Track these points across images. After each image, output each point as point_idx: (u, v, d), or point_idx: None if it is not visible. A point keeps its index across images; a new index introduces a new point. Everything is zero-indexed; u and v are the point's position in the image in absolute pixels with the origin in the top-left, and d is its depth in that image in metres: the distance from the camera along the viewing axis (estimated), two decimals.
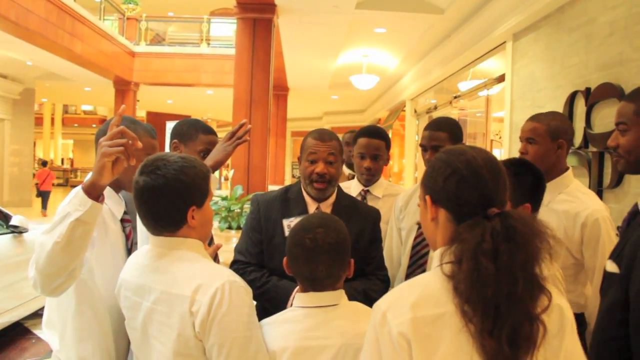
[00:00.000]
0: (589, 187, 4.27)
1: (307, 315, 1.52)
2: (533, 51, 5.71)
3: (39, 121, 24.66)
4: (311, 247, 1.52)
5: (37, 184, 15.99)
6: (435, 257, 1.22)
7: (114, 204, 1.80)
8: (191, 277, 1.41)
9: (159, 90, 16.23)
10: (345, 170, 4.19)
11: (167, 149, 2.26)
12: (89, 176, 1.55)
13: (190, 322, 1.37)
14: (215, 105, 19.12)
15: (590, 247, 2.15)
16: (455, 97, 9.10)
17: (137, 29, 15.15)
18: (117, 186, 1.81)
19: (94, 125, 32.95)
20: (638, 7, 3.90)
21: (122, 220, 1.83)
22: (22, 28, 9.19)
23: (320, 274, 1.52)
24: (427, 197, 1.23)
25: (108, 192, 1.81)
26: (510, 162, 1.92)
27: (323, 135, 2.09)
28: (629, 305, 1.45)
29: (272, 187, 8.19)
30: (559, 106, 4.87)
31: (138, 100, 15.88)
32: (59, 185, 24.15)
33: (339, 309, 1.53)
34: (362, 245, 2.07)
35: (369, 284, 2.06)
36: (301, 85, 14.17)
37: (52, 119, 31.43)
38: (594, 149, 4.37)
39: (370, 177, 2.80)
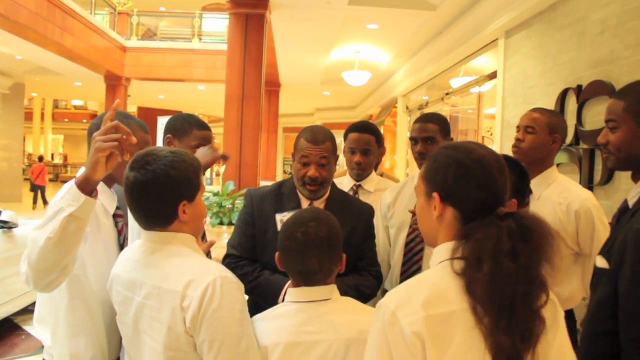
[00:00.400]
0: (580, 184, 4.30)
1: (299, 310, 1.51)
2: (525, 48, 5.73)
3: (28, 116, 24.48)
4: (303, 240, 1.52)
5: (30, 178, 16.19)
6: (437, 252, 1.22)
7: (107, 198, 1.79)
8: (182, 272, 1.41)
9: (150, 86, 16.16)
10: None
11: (158, 145, 2.24)
12: (81, 171, 1.54)
13: (181, 318, 1.37)
14: (207, 100, 19.07)
15: (587, 236, 2.21)
16: (447, 94, 9.12)
17: (129, 24, 15.06)
18: (109, 181, 1.80)
19: (84, 120, 32.75)
20: (630, 5, 3.92)
21: (115, 215, 1.82)
22: (12, 22, 9.10)
23: (312, 268, 1.52)
24: (435, 195, 1.22)
25: (101, 186, 1.80)
26: None
27: (316, 137, 2.05)
28: (619, 300, 1.46)
29: (264, 183, 8.18)
30: (550, 103, 4.90)
31: (129, 96, 15.80)
32: (49, 180, 24.05)
33: (331, 303, 1.53)
34: (355, 241, 2.07)
35: (361, 279, 2.06)
36: (293, 81, 14.15)
37: (42, 114, 31.23)
38: (585, 146, 4.39)
39: (360, 172, 2.81)
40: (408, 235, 2.49)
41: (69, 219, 1.43)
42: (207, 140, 2.19)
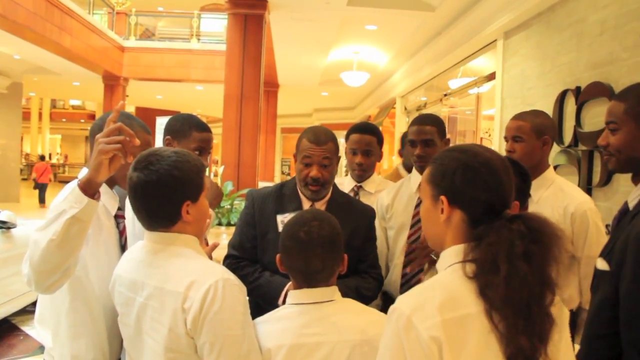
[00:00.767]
0: (579, 185, 4.31)
1: (301, 312, 1.51)
2: (524, 49, 5.74)
3: (26, 116, 24.40)
4: (305, 240, 1.52)
5: (34, 177, 16.91)
6: (445, 256, 1.21)
7: (108, 199, 1.79)
8: (184, 274, 1.40)
9: (149, 86, 16.14)
10: (402, 171, 3.84)
11: (157, 146, 2.23)
12: (82, 172, 1.54)
13: (182, 319, 1.36)
14: (205, 101, 19.05)
15: (581, 238, 2.21)
16: (446, 95, 9.13)
17: (127, 24, 15.05)
18: (110, 182, 1.79)
19: (82, 121, 32.71)
20: (628, 7, 3.93)
21: (116, 217, 1.81)
22: (10, 21, 9.09)
23: (315, 268, 1.51)
24: (443, 198, 1.21)
25: (102, 187, 1.79)
26: None
27: (319, 138, 2.05)
28: (619, 302, 1.46)
29: (262, 184, 8.18)
30: (549, 104, 4.90)
31: (127, 96, 15.77)
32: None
33: (333, 305, 1.53)
34: (356, 243, 2.07)
35: (362, 281, 2.06)
36: (291, 82, 14.15)
37: (40, 114, 31.14)
38: (584, 148, 4.40)
39: (361, 173, 2.81)
40: (409, 236, 2.49)
41: (71, 221, 1.42)
42: (207, 143, 2.17)
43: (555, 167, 4.71)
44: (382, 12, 7.56)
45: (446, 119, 9.65)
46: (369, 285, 2.08)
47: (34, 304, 5.28)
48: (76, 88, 18.32)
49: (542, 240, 1.10)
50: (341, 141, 2.96)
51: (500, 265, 1.09)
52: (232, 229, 2.30)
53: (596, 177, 4.23)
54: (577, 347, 1.66)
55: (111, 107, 14.08)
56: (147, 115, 18.44)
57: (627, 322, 1.43)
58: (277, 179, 17.98)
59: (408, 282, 2.43)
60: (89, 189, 1.47)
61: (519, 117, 2.38)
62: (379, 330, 1.20)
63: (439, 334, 1.06)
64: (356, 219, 2.13)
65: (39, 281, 1.49)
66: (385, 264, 2.57)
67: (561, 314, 1.19)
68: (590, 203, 2.26)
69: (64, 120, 33.38)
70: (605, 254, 1.61)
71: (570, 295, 2.27)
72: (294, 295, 1.56)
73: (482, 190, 1.17)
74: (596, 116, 4.28)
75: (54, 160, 32.15)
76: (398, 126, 12.05)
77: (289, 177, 2.30)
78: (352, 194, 2.76)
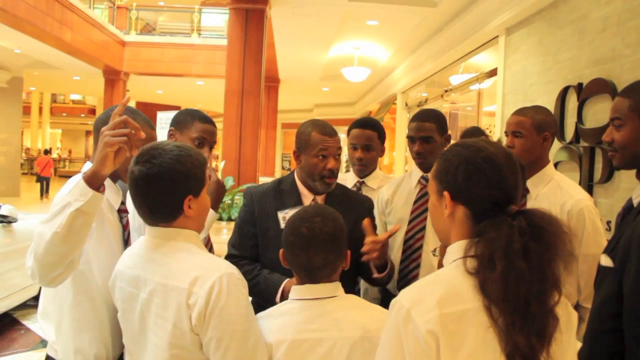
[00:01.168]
0: (580, 182, 4.31)
1: (303, 307, 1.51)
2: (526, 46, 5.72)
3: (26, 110, 24.38)
4: (308, 235, 1.52)
5: (37, 171, 17.48)
6: (451, 251, 1.21)
7: (112, 193, 1.78)
8: (188, 269, 1.40)
9: (149, 80, 16.13)
10: None
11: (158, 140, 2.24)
12: (86, 166, 1.53)
13: (187, 315, 1.36)
14: (206, 95, 19.03)
15: (577, 236, 2.19)
16: (447, 91, 9.11)
17: (128, 18, 15.02)
18: (114, 176, 1.79)
19: (82, 115, 32.70)
20: (631, 3, 3.92)
21: (120, 211, 1.81)
22: (11, 15, 9.07)
23: (317, 263, 1.52)
24: (446, 194, 1.22)
25: (106, 181, 1.79)
26: None
27: (330, 130, 2.08)
28: (623, 298, 1.46)
29: (263, 179, 8.18)
30: (551, 101, 4.90)
31: (128, 90, 15.75)
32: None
33: (335, 301, 1.53)
34: (357, 234, 2.06)
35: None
36: (292, 77, 14.13)
37: (40, 108, 31.13)
38: (585, 144, 4.40)
39: (362, 168, 2.81)
40: (407, 232, 2.49)
41: (76, 213, 1.42)
42: (209, 134, 2.17)
43: (556, 164, 4.72)
44: (384, 7, 7.53)
45: (447, 115, 9.63)
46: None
47: (34, 298, 5.33)
48: (77, 82, 18.30)
49: (543, 238, 1.10)
50: (342, 137, 2.96)
51: (497, 262, 1.09)
52: (233, 224, 2.29)
53: (597, 174, 4.22)
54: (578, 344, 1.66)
55: (112, 101, 14.11)
56: (147, 110, 18.38)
57: (631, 317, 1.44)
58: (278, 174, 17.98)
59: (406, 277, 2.44)
60: (94, 182, 1.47)
61: (519, 112, 2.38)
62: (380, 326, 1.20)
63: (436, 328, 1.06)
64: (356, 211, 2.13)
65: (43, 274, 1.49)
66: None
67: (568, 315, 1.18)
68: (588, 201, 2.24)
69: (64, 114, 33.36)
70: (609, 250, 1.61)
71: (568, 292, 2.27)
72: (296, 291, 1.56)
73: (485, 186, 1.17)
74: (598, 113, 4.28)
75: (54, 155, 32.19)
76: (399, 122, 12.04)
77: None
78: (354, 190, 2.77)
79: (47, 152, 20.39)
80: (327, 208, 1.64)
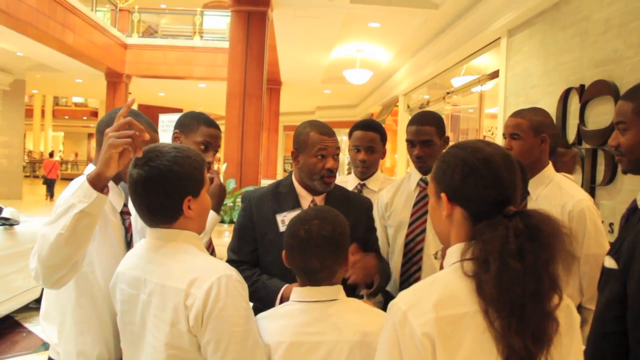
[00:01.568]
0: (582, 184, 4.30)
1: (303, 310, 1.51)
2: (527, 47, 5.72)
3: (29, 113, 24.48)
4: (305, 238, 1.52)
5: (43, 174, 18.58)
6: (450, 253, 1.21)
7: (114, 195, 1.79)
8: (187, 270, 1.40)
9: (151, 83, 16.15)
10: None
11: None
12: (88, 168, 1.53)
13: (185, 316, 1.35)
14: (208, 98, 19.05)
15: (578, 237, 2.19)
16: (449, 93, 9.11)
17: (130, 21, 15.05)
18: (116, 178, 1.79)
19: (84, 118, 32.77)
20: (633, 5, 3.91)
21: (122, 213, 1.81)
22: (13, 18, 9.09)
23: (314, 267, 1.51)
24: (443, 195, 1.21)
25: (109, 183, 1.79)
26: None
27: (328, 130, 2.09)
28: (627, 301, 1.45)
29: (265, 181, 8.17)
30: (553, 103, 4.89)
31: (130, 93, 15.78)
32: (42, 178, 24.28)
33: (336, 305, 1.52)
34: (358, 234, 2.07)
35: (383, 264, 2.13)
36: (294, 79, 14.14)
37: (43, 111, 31.19)
38: (588, 146, 4.38)
39: (365, 170, 2.81)
40: (407, 235, 2.48)
41: (80, 215, 1.42)
42: (213, 138, 2.17)
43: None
44: (385, 9, 7.54)
45: (449, 117, 9.63)
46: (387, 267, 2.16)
47: (36, 300, 5.32)
48: (79, 85, 18.33)
49: (539, 239, 1.08)
50: (343, 139, 2.96)
51: (491, 263, 1.08)
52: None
53: (600, 176, 4.21)
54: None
55: (114, 104, 14.12)
56: (149, 113, 18.38)
57: (636, 320, 1.43)
58: (280, 176, 17.97)
59: (407, 280, 2.43)
60: (98, 183, 1.47)
61: (517, 114, 2.38)
62: (379, 330, 1.20)
63: (432, 331, 1.06)
64: (356, 210, 2.14)
65: (47, 275, 1.49)
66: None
67: (570, 318, 1.17)
68: (589, 201, 2.24)
69: (66, 117, 33.44)
70: (613, 252, 1.60)
71: (571, 294, 2.26)
72: (297, 293, 1.55)
73: (481, 187, 1.16)
74: (600, 114, 4.27)
75: (56, 158, 32.27)
76: (401, 124, 12.03)
77: None
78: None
79: (52, 155, 21.57)
80: (331, 211, 1.63)
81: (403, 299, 1.14)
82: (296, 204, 2.10)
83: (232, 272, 1.42)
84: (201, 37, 15.20)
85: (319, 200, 2.13)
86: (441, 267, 1.26)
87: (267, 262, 2.04)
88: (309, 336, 1.46)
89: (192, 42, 14.96)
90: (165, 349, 1.38)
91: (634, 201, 1.70)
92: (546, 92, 5.19)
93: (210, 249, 2.25)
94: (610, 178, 4.05)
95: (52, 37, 10.63)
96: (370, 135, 2.77)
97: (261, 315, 1.57)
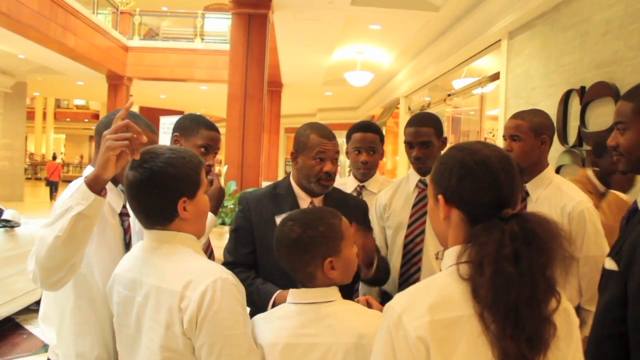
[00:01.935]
0: None
1: (299, 312, 1.50)
2: (528, 49, 5.72)
3: (30, 115, 24.52)
4: (278, 239, 1.56)
5: (46, 177, 18.91)
6: (447, 256, 1.20)
7: (113, 197, 1.78)
8: (182, 272, 1.39)
9: (152, 85, 16.16)
10: (594, 179, 3.51)
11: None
12: (87, 170, 1.53)
13: (179, 318, 1.35)
14: (209, 100, 19.06)
15: (578, 238, 2.21)
16: (450, 95, 9.11)
17: (131, 24, 15.06)
18: (115, 180, 1.79)
19: (86, 120, 32.81)
20: (633, 6, 3.91)
21: (121, 214, 1.81)
22: (14, 21, 9.10)
23: (287, 267, 1.55)
24: (440, 197, 1.21)
25: (107, 185, 1.79)
26: None
27: (329, 133, 2.09)
28: (628, 302, 1.45)
29: (266, 184, 8.17)
30: (553, 104, 4.89)
31: (131, 95, 15.78)
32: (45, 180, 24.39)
33: (331, 306, 1.52)
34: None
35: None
36: (295, 82, 14.14)
37: (44, 113, 31.24)
38: (588, 148, 4.38)
39: (366, 171, 2.81)
40: (406, 236, 2.48)
41: (77, 217, 1.42)
42: (214, 141, 2.17)
43: (559, 167, 4.71)
44: (386, 11, 7.54)
45: (450, 119, 9.64)
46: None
47: (37, 302, 5.32)
48: (80, 88, 18.36)
49: (535, 242, 1.07)
50: (344, 141, 2.96)
51: (485, 267, 1.07)
52: None
53: None
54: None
55: (115, 106, 14.12)
56: (151, 115, 18.39)
57: (636, 321, 1.42)
58: (281, 178, 17.97)
59: (407, 281, 2.43)
60: (96, 186, 1.47)
61: (517, 116, 2.38)
62: (375, 332, 1.19)
63: (426, 334, 1.05)
64: (353, 212, 2.13)
65: (45, 278, 1.49)
66: None
67: (570, 323, 1.17)
68: (588, 202, 2.25)
69: (68, 119, 33.49)
70: (614, 253, 1.59)
71: (569, 296, 2.27)
72: (293, 294, 1.55)
73: (478, 190, 1.16)
74: (601, 116, 4.26)
75: (58, 160, 32.31)
76: (402, 126, 12.02)
77: None
78: (355, 194, 2.76)
79: (55, 157, 22.40)
80: (314, 212, 1.63)
81: (398, 302, 1.13)
82: (295, 205, 2.10)
83: (228, 275, 1.41)
84: (202, 39, 15.20)
85: (317, 201, 2.13)
86: (441, 268, 1.26)
87: (266, 264, 2.04)
88: (304, 338, 1.45)
89: (193, 44, 14.97)
90: (160, 351, 1.37)
91: (635, 202, 1.70)
92: (547, 94, 5.19)
93: (209, 250, 2.25)
94: None
95: (53, 40, 10.64)
96: (371, 137, 2.78)
97: (257, 317, 1.56)
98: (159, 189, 1.43)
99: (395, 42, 9.42)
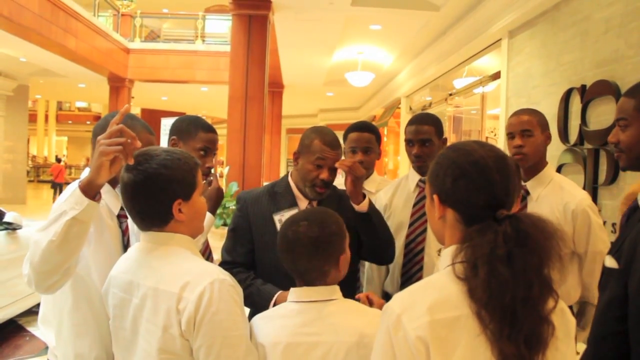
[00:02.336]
0: (584, 184, 4.29)
1: (300, 311, 1.50)
2: (529, 48, 5.71)
3: (32, 118, 24.53)
4: (292, 239, 1.53)
5: (52, 179, 19.65)
6: (444, 255, 1.20)
7: (111, 199, 1.78)
8: (179, 274, 1.38)
9: (154, 87, 16.18)
10: None
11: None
12: (84, 173, 1.53)
13: (177, 320, 1.34)
14: (210, 102, 19.08)
15: (583, 235, 2.25)
16: (451, 95, 9.11)
17: (132, 26, 15.09)
18: (113, 181, 1.79)
19: (88, 122, 32.82)
20: (633, 5, 3.91)
21: (119, 216, 1.81)
22: (16, 24, 9.12)
23: (302, 267, 1.52)
24: (435, 197, 1.21)
25: (105, 187, 1.79)
26: None
27: (333, 142, 2.06)
28: (628, 300, 1.44)
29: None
30: (554, 103, 4.89)
31: (133, 97, 15.81)
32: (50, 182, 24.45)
33: (332, 305, 1.52)
34: (353, 227, 2.09)
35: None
36: (296, 82, 14.15)
37: (46, 116, 31.28)
38: (590, 146, 4.38)
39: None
40: (407, 236, 2.48)
41: (71, 222, 1.41)
42: (212, 143, 2.17)
43: (560, 166, 4.70)
44: (386, 11, 7.54)
45: (451, 119, 9.63)
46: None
47: (39, 305, 5.31)
48: (82, 90, 18.39)
49: (528, 244, 1.07)
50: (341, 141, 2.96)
51: (479, 268, 1.07)
52: None
53: (602, 176, 4.20)
54: (583, 345, 1.64)
55: (117, 108, 14.04)
56: (152, 117, 18.51)
57: (637, 320, 1.42)
58: None
59: (408, 280, 2.42)
60: (90, 191, 1.46)
61: (523, 112, 2.39)
62: (377, 331, 1.19)
63: (426, 335, 1.05)
64: (349, 206, 2.13)
65: (39, 282, 1.49)
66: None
67: (566, 322, 1.17)
68: (589, 199, 2.29)
69: (70, 122, 33.52)
70: (614, 251, 1.59)
71: (567, 292, 2.29)
72: (294, 293, 1.55)
73: (472, 191, 1.16)
74: (602, 114, 4.26)
75: (61, 163, 32.38)
76: (403, 126, 12.01)
77: None
78: None
79: (60, 160, 22.79)
80: (322, 212, 1.63)
81: (397, 302, 1.13)
82: (293, 204, 2.10)
83: (226, 276, 1.40)
84: (203, 41, 15.21)
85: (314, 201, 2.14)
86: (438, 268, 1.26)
87: (265, 263, 2.04)
88: (306, 337, 1.45)
89: (194, 46, 14.99)
90: (157, 353, 1.37)
91: (635, 200, 1.69)
92: (548, 93, 5.18)
93: (208, 251, 2.25)
94: (612, 178, 4.04)
95: (55, 43, 10.67)
96: (367, 137, 2.78)
97: (258, 316, 1.56)
98: (153, 191, 1.43)
99: (396, 42, 9.42)
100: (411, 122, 2.52)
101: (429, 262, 2.39)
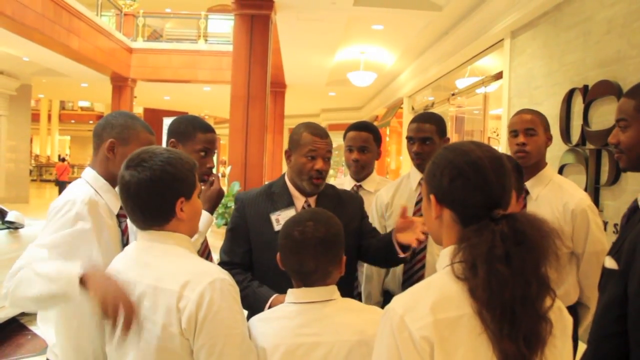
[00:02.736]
0: (586, 185, 4.28)
1: (299, 311, 1.50)
2: (531, 48, 5.70)
3: (35, 117, 24.61)
4: (299, 239, 1.52)
5: (55, 178, 20.22)
6: (442, 256, 1.21)
7: (111, 198, 1.79)
8: (180, 272, 1.39)
9: (156, 87, 16.20)
10: None
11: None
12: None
13: (177, 318, 1.34)
14: (213, 101, 19.11)
15: (582, 235, 2.25)
16: (453, 95, 9.10)
17: (135, 25, 15.11)
18: (113, 181, 1.79)
19: (90, 122, 32.86)
20: (636, 5, 3.90)
21: (119, 215, 1.81)
22: (19, 24, 9.14)
23: (308, 268, 1.51)
24: (432, 197, 1.21)
25: (105, 186, 1.80)
26: None
27: (321, 131, 2.09)
28: (628, 301, 1.44)
29: None
30: (556, 103, 4.88)
31: (135, 97, 15.84)
32: (54, 181, 24.51)
33: (331, 305, 1.52)
34: (354, 227, 2.12)
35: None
36: (298, 82, 14.16)
37: (49, 115, 31.38)
38: (592, 147, 4.37)
39: (358, 169, 2.81)
40: None
41: (57, 300, 1.46)
42: (212, 144, 2.16)
43: (562, 166, 4.69)
44: (389, 11, 7.54)
45: (454, 119, 9.63)
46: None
47: None
48: (84, 89, 18.43)
49: (525, 243, 1.08)
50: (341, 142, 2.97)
51: (479, 268, 1.08)
52: None
53: (604, 176, 4.19)
54: (583, 344, 1.64)
55: (119, 108, 14.17)
56: (154, 116, 18.54)
57: (636, 320, 1.42)
58: None
59: (410, 278, 2.42)
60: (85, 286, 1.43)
61: (526, 111, 2.41)
62: (377, 330, 1.19)
63: (431, 334, 1.05)
64: (349, 206, 2.16)
65: (14, 306, 1.55)
66: None
67: (563, 320, 1.17)
68: (588, 200, 2.30)
69: (72, 121, 33.59)
70: (614, 252, 1.59)
71: (566, 292, 2.29)
72: (292, 294, 1.55)
73: (468, 191, 1.16)
74: (604, 115, 4.25)
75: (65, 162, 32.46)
76: (405, 126, 12.02)
77: None
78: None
79: (64, 159, 22.96)
80: (324, 213, 1.63)
81: (399, 303, 1.13)
82: (290, 203, 2.11)
83: (225, 275, 1.41)
84: (206, 40, 15.23)
85: (312, 200, 2.14)
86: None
87: (263, 263, 2.04)
88: (306, 337, 1.45)
89: (197, 45, 15.01)
90: (155, 351, 1.36)
91: (635, 201, 1.69)
92: (550, 93, 5.17)
93: (207, 251, 2.25)
94: (614, 179, 4.03)
95: (58, 42, 10.69)
96: (364, 136, 2.78)
97: (256, 317, 1.56)
98: (159, 188, 1.43)
99: (398, 42, 9.42)
100: (413, 120, 2.54)
101: (431, 261, 2.39)
